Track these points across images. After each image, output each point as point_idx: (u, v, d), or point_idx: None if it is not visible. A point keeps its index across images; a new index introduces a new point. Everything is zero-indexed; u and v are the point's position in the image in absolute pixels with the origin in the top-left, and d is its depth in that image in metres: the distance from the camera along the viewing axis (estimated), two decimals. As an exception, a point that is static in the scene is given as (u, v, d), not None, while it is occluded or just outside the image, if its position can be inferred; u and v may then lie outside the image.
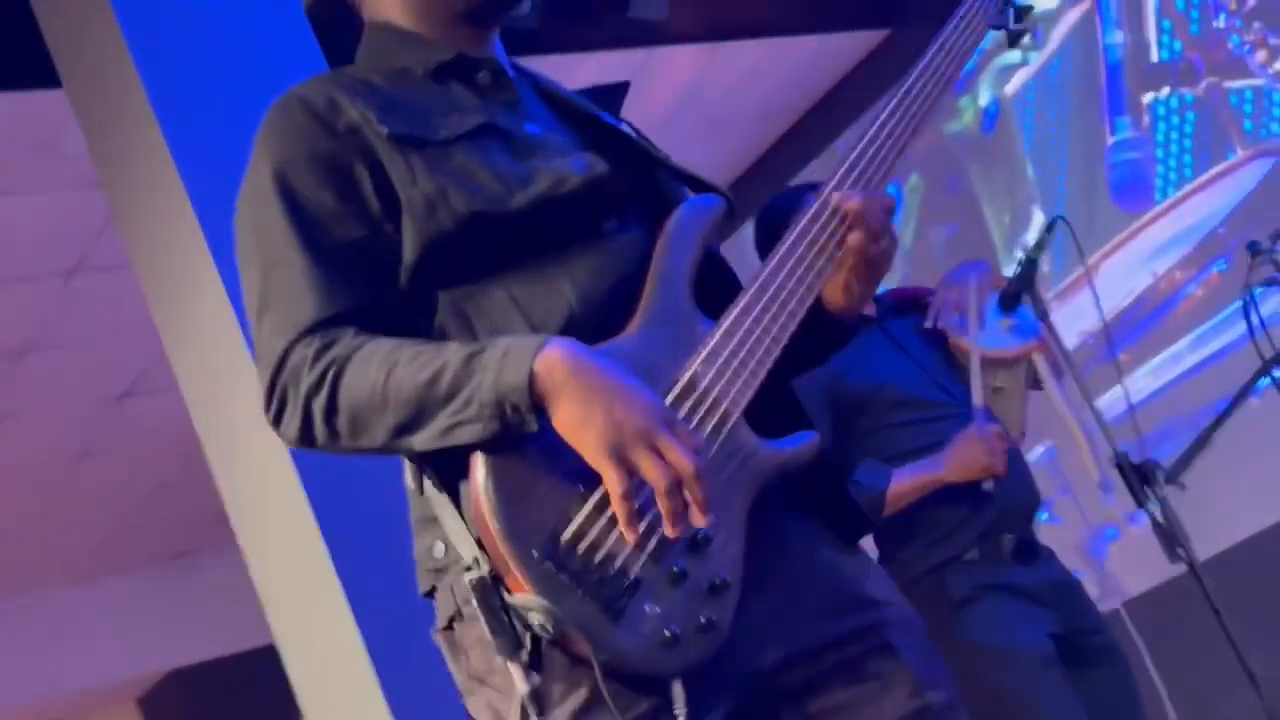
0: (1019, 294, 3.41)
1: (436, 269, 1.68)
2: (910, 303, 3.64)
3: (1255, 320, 3.40)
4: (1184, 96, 6.25)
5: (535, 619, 1.52)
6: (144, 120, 3.55)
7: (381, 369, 1.58)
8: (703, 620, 1.57)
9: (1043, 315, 3.40)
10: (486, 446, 1.55)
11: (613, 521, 1.54)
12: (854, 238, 1.77)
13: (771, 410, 1.72)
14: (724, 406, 1.63)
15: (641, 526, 1.52)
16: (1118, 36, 6.43)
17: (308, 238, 1.66)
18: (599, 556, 1.54)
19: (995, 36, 2.03)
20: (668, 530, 1.51)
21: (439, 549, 1.67)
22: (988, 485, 3.29)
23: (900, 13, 6.81)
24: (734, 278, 1.83)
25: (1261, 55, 5.95)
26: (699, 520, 1.51)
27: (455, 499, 1.61)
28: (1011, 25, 2.03)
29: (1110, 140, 6.51)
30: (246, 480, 3.61)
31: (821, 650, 1.69)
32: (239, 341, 3.38)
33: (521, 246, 1.69)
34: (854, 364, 3.36)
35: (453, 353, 1.58)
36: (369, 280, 1.68)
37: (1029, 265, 3.37)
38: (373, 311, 1.66)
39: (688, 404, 1.61)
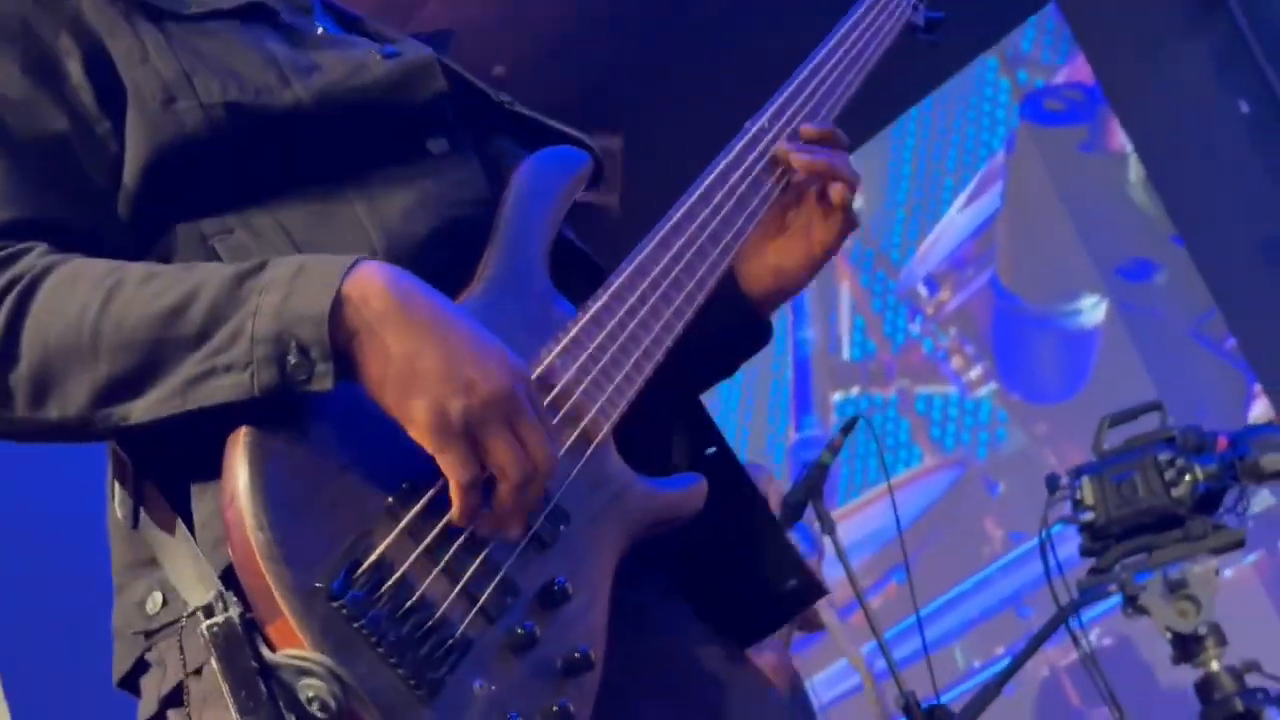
0: (803, 505, 3.00)
1: (172, 187, 1.24)
2: None
3: (1052, 561, 3.01)
4: (874, 397, 6.10)
5: (309, 689, 1.04)
6: None
7: (95, 294, 1.13)
8: (555, 709, 1.15)
9: (829, 530, 2.98)
10: (253, 417, 1.09)
11: (435, 549, 1.12)
12: (836, 191, 1.43)
13: (650, 436, 1.35)
14: (588, 418, 1.25)
15: (474, 562, 1.13)
16: (809, 332, 6.28)
17: None
18: (413, 600, 1.10)
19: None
20: (510, 529, 1.14)
21: (154, 600, 1.19)
22: None
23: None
24: (594, 264, 1.43)
25: (956, 362, 5.87)
26: (513, 529, 1.15)
27: (191, 521, 1.15)
28: (922, 31, 1.79)
29: (794, 437, 6.28)
30: None
31: None
32: None
33: (300, 162, 1.27)
34: None
35: (210, 273, 1.14)
36: (71, 191, 1.23)
37: (819, 470, 2.96)
38: (70, 234, 1.21)
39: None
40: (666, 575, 1.36)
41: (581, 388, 1.25)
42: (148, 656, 1.21)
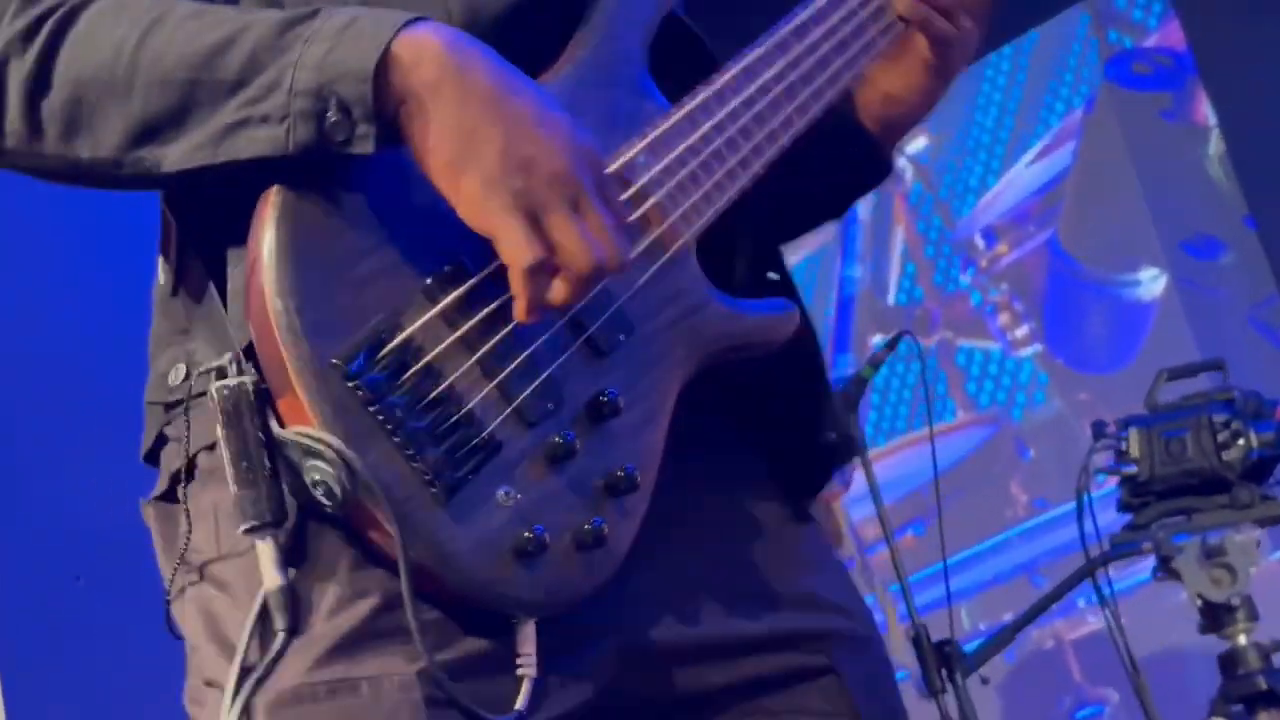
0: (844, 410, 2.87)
1: None
2: None
3: (1087, 512, 2.90)
4: (913, 345, 5.96)
5: (315, 471, 0.98)
6: None
7: (135, 26, 1.04)
8: (587, 528, 1.06)
9: (862, 447, 2.87)
10: (288, 178, 1.01)
11: (472, 339, 1.04)
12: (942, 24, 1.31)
13: (738, 264, 1.26)
14: (668, 222, 1.15)
15: (515, 360, 1.04)
16: (857, 271, 6.14)
17: None
18: (439, 390, 1.02)
19: None
20: (560, 297, 1.04)
21: (177, 372, 1.13)
22: None
23: None
24: (707, 51, 1.30)
25: (1003, 319, 5.73)
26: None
27: (223, 287, 1.08)
28: None
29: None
30: None
31: (737, 651, 1.19)
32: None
33: None
34: None
35: (263, 16, 1.05)
36: None
37: (857, 383, 2.85)
38: None
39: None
40: (724, 409, 1.26)
41: (664, 190, 1.15)
42: (166, 430, 1.15)
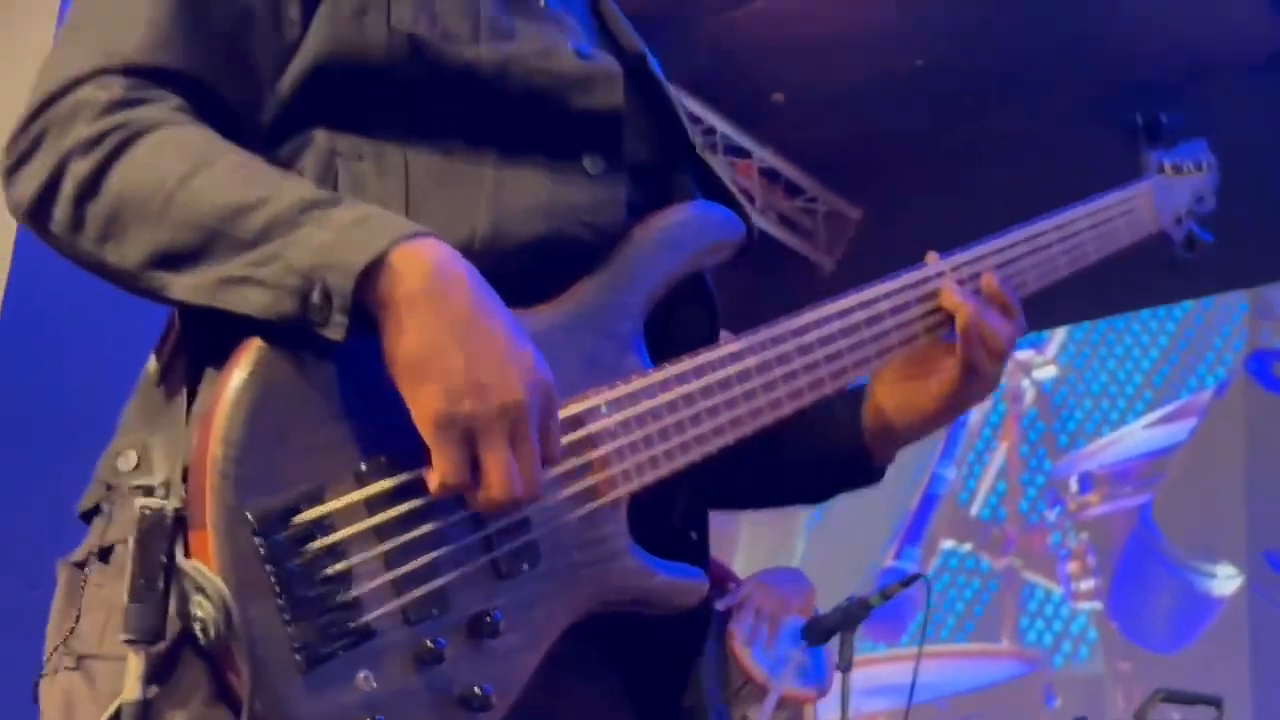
0: (833, 632, 2.93)
1: (329, 95, 1.23)
2: (710, 579, 3.12)
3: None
4: (981, 562, 5.96)
5: (200, 608, 1.04)
6: None
7: (186, 162, 1.13)
8: None
9: (846, 667, 2.92)
10: (271, 335, 1.09)
11: (384, 530, 1.09)
12: (982, 356, 1.37)
13: (669, 512, 1.27)
14: (608, 473, 1.19)
15: (417, 560, 1.10)
16: (950, 471, 6.16)
17: None
18: (336, 568, 1.07)
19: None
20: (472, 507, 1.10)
21: (128, 459, 1.18)
22: None
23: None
24: (713, 325, 1.36)
25: (1073, 566, 5.70)
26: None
27: (194, 396, 1.15)
28: (1179, 249, 1.69)
29: (889, 563, 6.16)
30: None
31: None
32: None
33: (456, 116, 1.24)
34: None
35: (293, 188, 1.13)
36: (232, 63, 1.22)
37: (860, 607, 2.91)
38: (210, 100, 1.20)
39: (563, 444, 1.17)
40: (604, 642, 1.28)
41: (615, 443, 1.19)
42: (102, 504, 1.21)
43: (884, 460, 1.44)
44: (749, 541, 6.36)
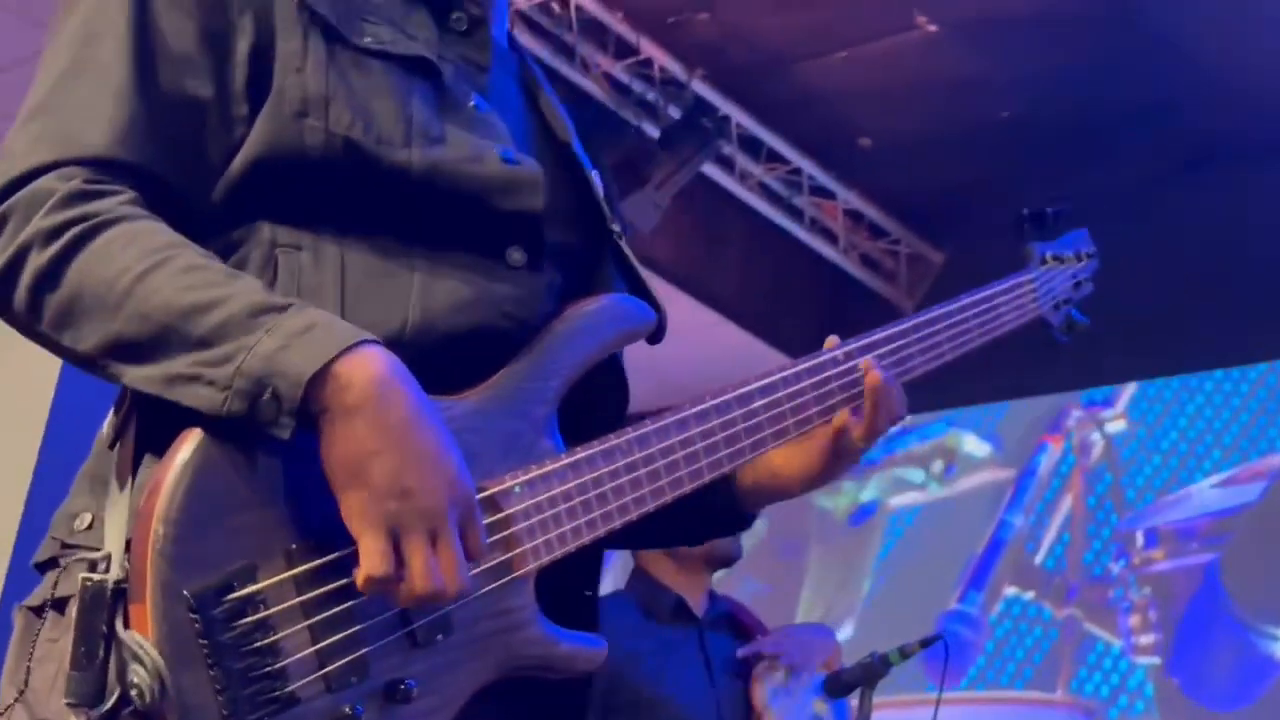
0: (853, 686, 3.03)
1: (271, 189, 1.31)
2: (740, 626, 3.28)
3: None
4: (1043, 611, 5.99)
5: (136, 675, 1.13)
6: None
7: (143, 259, 1.20)
8: None
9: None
10: (213, 427, 1.17)
11: (310, 607, 1.18)
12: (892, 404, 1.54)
13: (565, 572, 1.36)
14: (518, 551, 1.30)
15: (340, 633, 1.18)
16: (1017, 519, 6.20)
17: (143, 63, 1.29)
18: (265, 642, 1.16)
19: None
20: (395, 602, 1.19)
21: (83, 520, 1.28)
22: None
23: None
24: (622, 408, 1.49)
25: (1134, 620, 5.72)
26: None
27: (139, 464, 1.24)
28: (1058, 331, 1.85)
29: (952, 605, 6.20)
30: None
31: None
32: None
33: (388, 215, 1.33)
34: (655, 654, 3.09)
35: (245, 291, 1.20)
36: (186, 157, 1.30)
37: (882, 664, 2.99)
38: (165, 192, 1.28)
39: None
40: (505, 700, 1.36)
41: (528, 522, 1.30)
42: (56, 557, 1.30)
43: (753, 511, 1.61)
44: (816, 579, 6.44)
